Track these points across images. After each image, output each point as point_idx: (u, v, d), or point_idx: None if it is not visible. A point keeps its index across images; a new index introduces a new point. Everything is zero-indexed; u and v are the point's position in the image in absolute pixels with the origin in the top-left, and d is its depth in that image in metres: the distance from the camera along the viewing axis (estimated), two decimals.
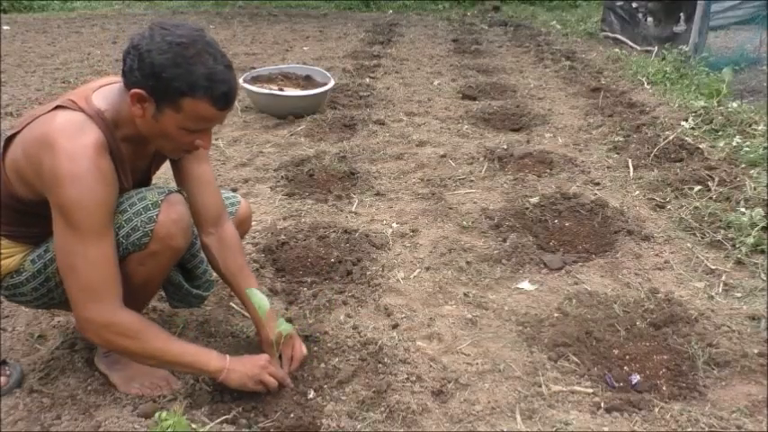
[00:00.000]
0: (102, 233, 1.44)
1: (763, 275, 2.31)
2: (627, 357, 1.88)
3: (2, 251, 1.58)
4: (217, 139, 3.96)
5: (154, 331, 1.53)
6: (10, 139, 1.51)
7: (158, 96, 1.40)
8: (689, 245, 2.56)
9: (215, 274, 1.83)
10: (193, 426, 1.50)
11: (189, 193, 1.71)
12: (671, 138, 3.63)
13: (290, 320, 2.00)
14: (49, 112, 1.47)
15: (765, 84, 5.10)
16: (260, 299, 1.65)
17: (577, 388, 1.73)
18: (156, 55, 1.36)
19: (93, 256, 1.42)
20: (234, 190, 3.09)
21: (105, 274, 1.45)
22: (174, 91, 1.38)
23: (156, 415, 1.48)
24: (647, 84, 5.22)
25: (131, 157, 1.59)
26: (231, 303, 2.15)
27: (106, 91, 1.53)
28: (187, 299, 1.80)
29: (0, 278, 1.61)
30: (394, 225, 2.78)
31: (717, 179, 3.07)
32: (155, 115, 1.43)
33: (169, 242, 1.55)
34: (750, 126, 3.80)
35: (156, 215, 1.52)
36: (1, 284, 1.63)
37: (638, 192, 3.11)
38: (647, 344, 1.93)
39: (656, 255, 2.48)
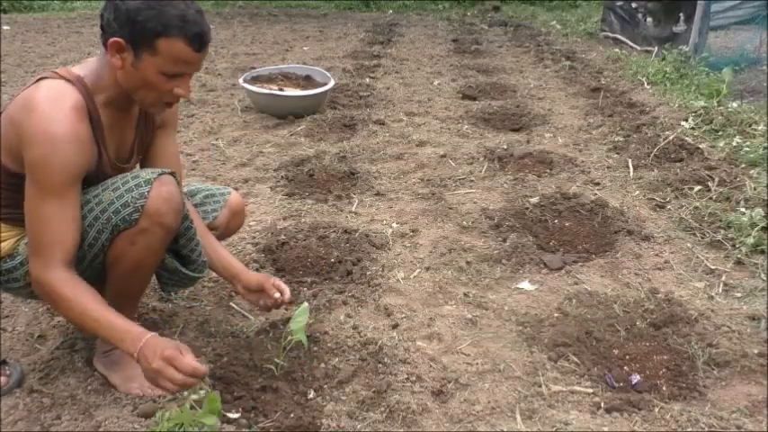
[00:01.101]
0: (61, 194, 1.46)
1: (763, 275, 2.31)
2: (627, 357, 1.88)
3: (0, 235, 1.58)
4: (217, 139, 3.96)
5: (82, 297, 1.48)
6: None
7: (136, 42, 1.44)
8: (689, 245, 2.56)
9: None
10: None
11: (151, 161, 1.77)
12: (671, 138, 3.63)
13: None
14: (34, 83, 1.51)
15: (765, 84, 5.10)
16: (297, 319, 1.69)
17: (577, 388, 1.73)
18: (129, 1, 1.42)
19: (45, 213, 1.45)
20: (235, 190, 3.09)
21: (53, 232, 1.47)
22: (150, 33, 1.42)
23: (157, 415, 1.48)
24: (647, 84, 5.22)
25: (113, 124, 1.61)
26: (231, 303, 2.15)
27: (85, 62, 1.60)
28: (182, 282, 1.80)
29: None
30: (394, 225, 2.78)
31: (717, 179, 3.07)
32: (134, 63, 1.47)
33: (159, 219, 1.54)
34: (750, 126, 3.80)
35: (148, 192, 1.52)
36: None
37: (638, 192, 3.11)
38: (647, 344, 1.93)
39: (656, 255, 2.48)
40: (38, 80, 1.51)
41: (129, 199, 1.52)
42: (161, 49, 1.44)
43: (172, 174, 1.60)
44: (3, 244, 1.59)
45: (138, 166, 1.80)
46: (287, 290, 1.80)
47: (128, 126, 1.68)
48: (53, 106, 1.43)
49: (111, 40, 1.44)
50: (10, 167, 1.52)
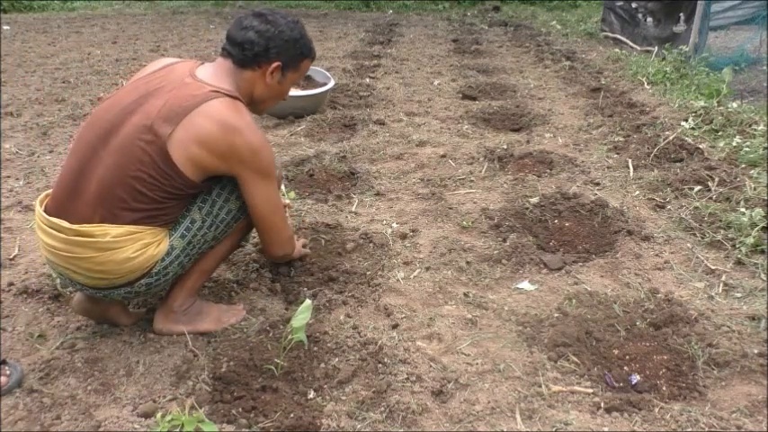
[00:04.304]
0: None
1: (763, 275, 2.31)
2: (627, 357, 1.88)
3: (154, 239, 1.72)
4: None
5: None
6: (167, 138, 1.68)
7: (287, 63, 1.85)
8: (689, 245, 2.56)
9: None
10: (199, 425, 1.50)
11: None
12: (671, 138, 3.63)
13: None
14: (207, 102, 1.67)
15: (765, 84, 5.10)
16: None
17: (577, 388, 1.73)
18: (288, 31, 1.82)
19: (279, 200, 1.87)
20: None
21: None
22: (300, 55, 1.87)
23: (157, 415, 1.48)
24: (647, 84, 5.22)
25: None
26: (232, 304, 2.15)
27: (213, 74, 1.79)
28: None
29: (150, 270, 1.73)
30: (394, 225, 2.78)
31: (717, 179, 3.07)
32: (280, 80, 1.87)
33: None
34: (750, 126, 3.80)
35: None
36: (141, 279, 1.73)
37: (638, 192, 3.11)
38: (647, 344, 1.93)
39: (656, 255, 2.48)
40: (207, 100, 1.67)
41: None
42: (302, 67, 1.91)
43: None
44: (161, 247, 1.74)
45: None
46: None
47: None
48: (247, 122, 1.72)
49: (275, 64, 1.81)
50: (193, 179, 1.71)
